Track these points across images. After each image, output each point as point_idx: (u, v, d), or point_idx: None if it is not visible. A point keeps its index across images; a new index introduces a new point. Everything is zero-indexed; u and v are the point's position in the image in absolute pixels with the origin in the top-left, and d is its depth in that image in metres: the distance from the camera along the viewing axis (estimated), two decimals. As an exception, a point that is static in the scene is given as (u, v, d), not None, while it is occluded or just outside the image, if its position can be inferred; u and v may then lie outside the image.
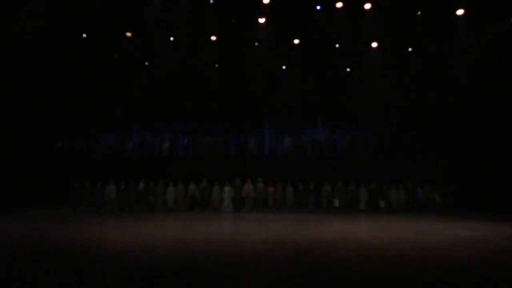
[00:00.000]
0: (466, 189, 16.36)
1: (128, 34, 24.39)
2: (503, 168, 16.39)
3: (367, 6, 21.59)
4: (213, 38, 25.01)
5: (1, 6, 17.35)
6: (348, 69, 25.67)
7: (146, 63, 26.19)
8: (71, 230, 10.28)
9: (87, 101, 23.23)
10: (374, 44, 23.83)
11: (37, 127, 19.86)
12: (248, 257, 7.09)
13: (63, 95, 21.55)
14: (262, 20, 23.35)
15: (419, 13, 21.45)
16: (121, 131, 24.46)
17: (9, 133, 18.26)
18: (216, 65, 26.37)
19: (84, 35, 23.08)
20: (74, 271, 5.98)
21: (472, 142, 18.25)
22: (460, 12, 19.77)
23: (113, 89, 24.27)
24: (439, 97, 20.44)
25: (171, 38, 24.86)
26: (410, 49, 23.37)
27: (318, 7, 22.89)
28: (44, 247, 7.83)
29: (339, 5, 22.01)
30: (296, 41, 24.99)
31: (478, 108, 18.22)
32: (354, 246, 8.22)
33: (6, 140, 18.11)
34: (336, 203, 15.30)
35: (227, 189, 15.46)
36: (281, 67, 26.16)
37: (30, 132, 19.42)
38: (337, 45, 24.70)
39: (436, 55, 20.75)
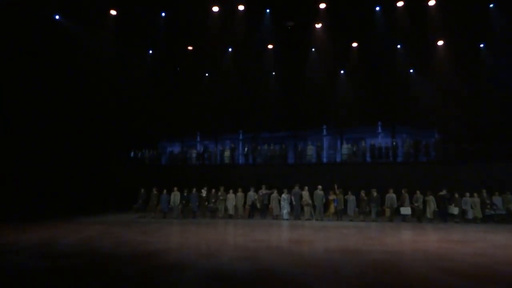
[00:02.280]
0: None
1: (190, 48, 25.71)
2: None
3: (431, 2, 20.42)
4: (270, 46, 25.35)
5: (75, 27, 19.34)
6: (411, 70, 24.40)
7: (207, 74, 27.29)
8: (141, 234, 10.99)
9: (155, 114, 24.84)
10: (440, 43, 22.41)
11: (113, 138, 21.69)
12: (311, 266, 7.01)
13: (135, 108, 23.29)
14: (318, 26, 23.18)
15: (491, 5, 19.78)
16: (186, 140, 25.74)
17: (87, 145, 20.19)
18: (274, 73, 26.63)
19: (151, 52, 24.78)
20: (157, 275, 6.37)
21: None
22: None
23: (177, 101, 25.63)
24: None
25: (230, 49, 25.68)
26: (481, 45, 21.58)
27: (378, 8, 22.15)
28: (118, 250, 8.46)
29: (400, 4, 21.10)
30: (355, 45, 24.38)
31: None
32: (423, 257, 7.72)
33: (85, 152, 20.04)
34: (406, 210, 14.48)
35: (285, 196, 15.45)
36: (339, 72, 25.66)
37: (106, 143, 21.30)
38: (398, 46, 23.65)
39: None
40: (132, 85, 22.70)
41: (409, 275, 6.27)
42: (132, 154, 23.64)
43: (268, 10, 23.29)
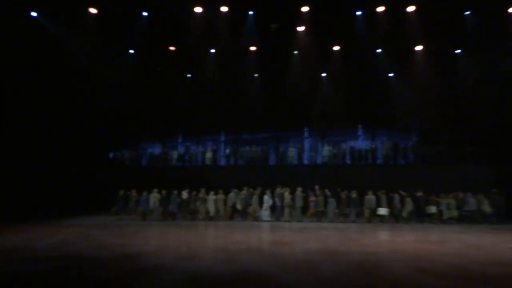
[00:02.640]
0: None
1: (172, 48, 25.47)
2: None
3: (411, 8, 20.89)
4: (253, 48, 25.39)
5: (53, 24, 18.86)
6: (391, 74, 24.90)
7: (188, 75, 27.08)
8: (120, 237, 10.78)
9: (136, 114, 24.47)
10: (419, 48, 22.96)
11: (92, 139, 21.21)
12: (291, 267, 7.03)
13: (115, 109, 22.86)
14: (301, 29, 23.38)
15: (467, 12, 20.40)
16: (167, 142, 25.47)
17: (65, 145, 19.68)
18: (256, 75, 26.68)
19: (131, 51, 24.41)
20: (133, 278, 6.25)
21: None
22: (513, 9, 18.53)
23: (159, 102, 25.34)
24: (490, 102, 19.11)
25: (212, 50, 25.58)
26: (458, 51, 22.21)
27: (359, 12, 22.51)
28: (96, 253, 8.27)
29: (380, 9, 21.51)
30: (336, 48, 24.70)
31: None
32: (401, 257, 7.86)
33: (62, 152, 19.53)
34: (384, 211, 14.75)
35: (267, 198, 15.48)
36: (321, 75, 25.94)
37: (85, 144, 20.80)
38: (378, 50, 24.10)
39: (488, 56, 19.47)
40: (112, 85, 22.30)
41: (388, 276, 6.37)
42: (111, 155, 23.20)
43: (251, 12, 23.33)
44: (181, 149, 23.87)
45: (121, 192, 16.03)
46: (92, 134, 21.18)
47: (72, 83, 19.80)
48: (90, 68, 20.30)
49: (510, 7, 18.41)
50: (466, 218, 14.69)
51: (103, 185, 19.16)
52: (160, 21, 22.52)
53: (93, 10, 20.17)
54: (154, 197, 15.66)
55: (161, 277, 6.20)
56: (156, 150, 24.79)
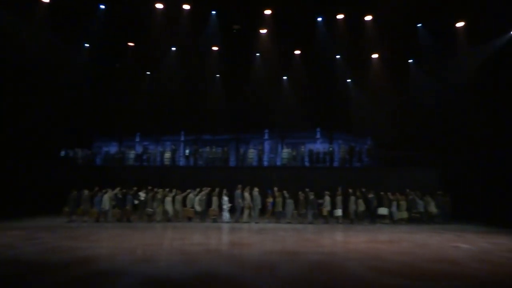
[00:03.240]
0: (459, 200, 16.28)
1: (131, 44, 24.70)
2: (493, 182, 16.50)
3: (368, 17, 21.79)
4: (215, 48, 25.27)
5: (8, 17, 17.63)
6: (348, 80, 25.81)
7: (148, 73, 26.41)
8: (70, 240, 10.25)
9: (91, 111, 23.41)
10: (375, 55, 24.00)
11: (42, 136, 19.97)
12: (250, 268, 7.05)
13: (68, 105, 21.73)
14: (263, 31, 23.60)
15: (419, 25, 21.62)
16: (124, 141, 24.60)
17: (12, 143, 18.37)
18: (218, 75, 26.59)
19: (87, 45, 23.37)
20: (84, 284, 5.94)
21: (468, 154, 18.23)
22: (460, 24, 19.89)
23: (116, 99, 24.46)
24: (439, 109, 20.42)
25: (173, 48, 25.12)
26: (410, 61, 23.48)
27: (320, 19, 23.13)
28: (44, 257, 7.79)
29: (340, 16, 22.24)
30: (297, 52, 25.21)
31: (475, 121, 18.20)
32: (356, 257, 8.14)
33: (9, 150, 18.21)
34: (339, 213, 15.24)
35: (226, 199, 15.43)
36: (282, 78, 26.34)
37: (34, 141, 19.52)
38: (337, 56, 24.90)
39: (436, 67, 20.82)
40: (66, 80, 21.20)
41: (344, 275, 6.57)
42: (63, 153, 22.02)
43: (214, 12, 23.20)
44: (139, 149, 23.16)
45: (73, 192, 15.26)
46: (41, 131, 19.96)
47: (22, 77, 18.55)
48: (42, 61, 19.13)
49: (458, 22, 19.75)
50: (416, 219, 15.55)
51: (54, 185, 18.12)
52: (118, 15, 21.76)
53: (45, 0, 19.07)
54: (109, 197, 15.06)
55: (115, 281, 5.96)
56: (112, 149, 23.87)
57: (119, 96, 24.57)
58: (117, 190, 15.35)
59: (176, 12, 22.11)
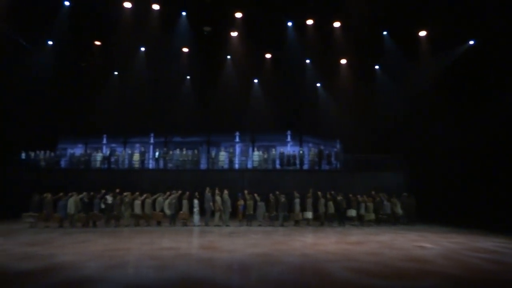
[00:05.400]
0: (423, 202, 17.02)
1: (97, 43, 23.96)
2: (454, 184, 17.44)
3: (336, 24, 22.36)
4: (185, 49, 25.02)
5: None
6: (318, 84, 26.32)
7: (116, 73, 25.74)
8: (33, 246, 9.77)
9: (55, 112, 22.47)
10: (343, 61, 24.65)
11: (2, 138, 18.94)
12: (221, 271, 7.02)
13: (30, 105, 20.75)
14: (234, 34, 23.63)
15: (385, 33, 22.45)
16: (90, 142, 23.72)
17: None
18: (188, 77, 26.32)
19: (50, 42, 22.47)
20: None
21: (432, 158, 19.14)
22: (422, 33, 20.86)
23: (81, 99, 23.61)
24: (404, 114, 21.26)
25: (142, 49, 24.64)
26: (377, 67, 24.30)
27: (290, 23, 23.47)
28: (9, 265, 7.37)
29: (309, 22, 22.67)
30: (268, 56, 25.43)
31: (438, 126, 19.14)
32: (328, 258, 8.30)
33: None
34: (309, 215, 15.47)
35: (196, 202, 15.27)
36: (253, 81, 26.47)
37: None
38: (307, 61, 25.34)
39: (400, 74, 21.70)
40: (27, 78, 20.22)
41: (324, 276, 6.70)
42: (23, 155, 20.95)
43: (184, 13, 22.96)
44: (106, 151, 22.42)
45: (36, 196, 14.57)
46: (0, 132, 18.92)
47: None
48: (1, 58, 18.17)
49: (420, 31, 20.70)
50: (383, 221, 16.09)
51: (13, 189, 17.22)
52: (84, 12, 21.07)
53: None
54: (74, 201, 14.49)
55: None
56: (78, 151, 22.97)
57: (85, 96, 23.72)
58: (83, 194, 14.79)
59: (145, 12, 21.70)
